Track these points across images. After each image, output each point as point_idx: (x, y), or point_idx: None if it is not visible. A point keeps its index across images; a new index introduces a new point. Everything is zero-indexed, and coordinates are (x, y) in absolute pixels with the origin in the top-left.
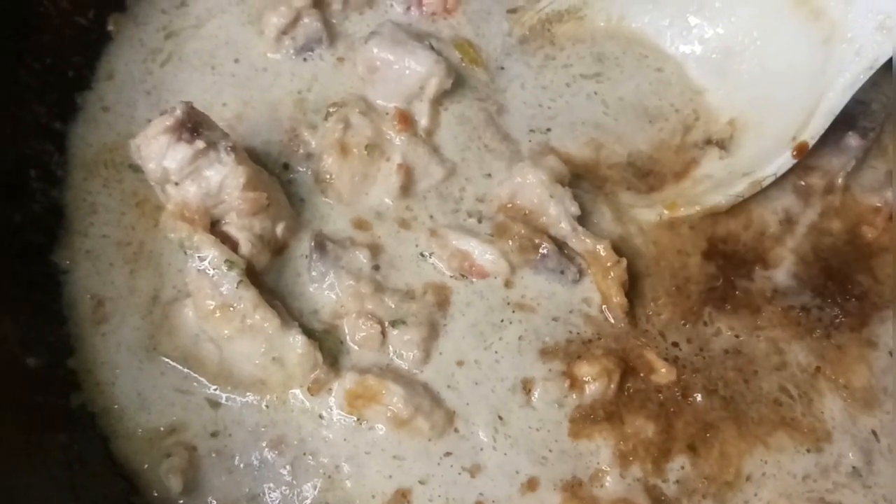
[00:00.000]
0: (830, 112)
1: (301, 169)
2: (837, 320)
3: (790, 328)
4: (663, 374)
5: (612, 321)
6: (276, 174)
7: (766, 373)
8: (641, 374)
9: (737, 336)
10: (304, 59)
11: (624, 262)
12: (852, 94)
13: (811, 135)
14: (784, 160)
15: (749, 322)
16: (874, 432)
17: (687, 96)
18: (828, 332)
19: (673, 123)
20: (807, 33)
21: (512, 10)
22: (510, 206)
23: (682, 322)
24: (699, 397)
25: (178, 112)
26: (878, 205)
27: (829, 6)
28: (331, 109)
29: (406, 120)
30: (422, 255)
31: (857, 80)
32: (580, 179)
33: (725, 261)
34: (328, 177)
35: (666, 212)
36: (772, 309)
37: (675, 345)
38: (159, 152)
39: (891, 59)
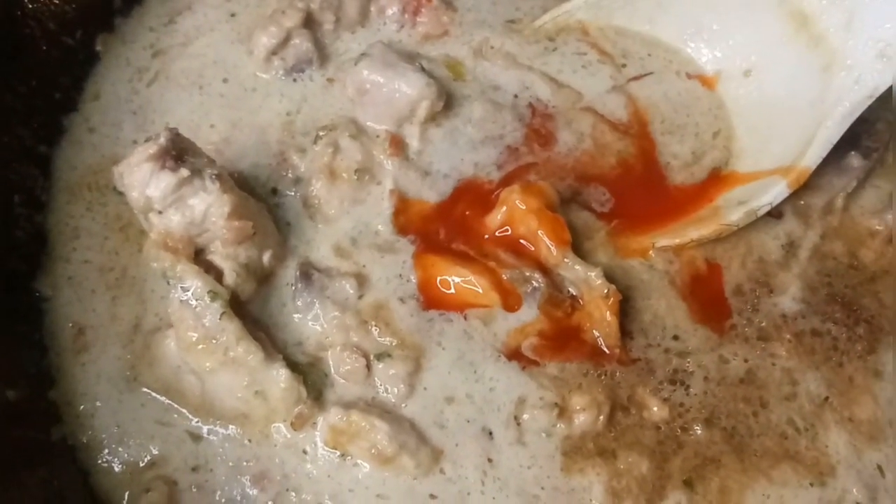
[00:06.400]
0: (828, 141)
1: (289, 193)
2: (850, 346)
3: (806, 357)
4: (655, 411)
5: (606, 351)
6: (264, 199)
7: (776, 403)
8: (633, 411)
9: (747, 364)
10: (294, 80)
11: (616, 290)
12: (851, 123)
13: (808, 164)
14: (780, 189)
15: (760, 350)
16: (879, 467)
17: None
18: (841, 361)
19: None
20: (806, 60)
21: (511, 21)
22: (499, 235)
23: (682, 353)
24: (699, 430)
25: (163, 140)
26: (878, 227)
27: (829, 33)
28: (320, 133)
29: (398, 144)
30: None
31: (857, 110)
32: (572, 203)
33: (728, 289)
34: (317, 202)
35: (661, 240)
36: (786, 336)
37: (675, 372)
38: (142, 180)
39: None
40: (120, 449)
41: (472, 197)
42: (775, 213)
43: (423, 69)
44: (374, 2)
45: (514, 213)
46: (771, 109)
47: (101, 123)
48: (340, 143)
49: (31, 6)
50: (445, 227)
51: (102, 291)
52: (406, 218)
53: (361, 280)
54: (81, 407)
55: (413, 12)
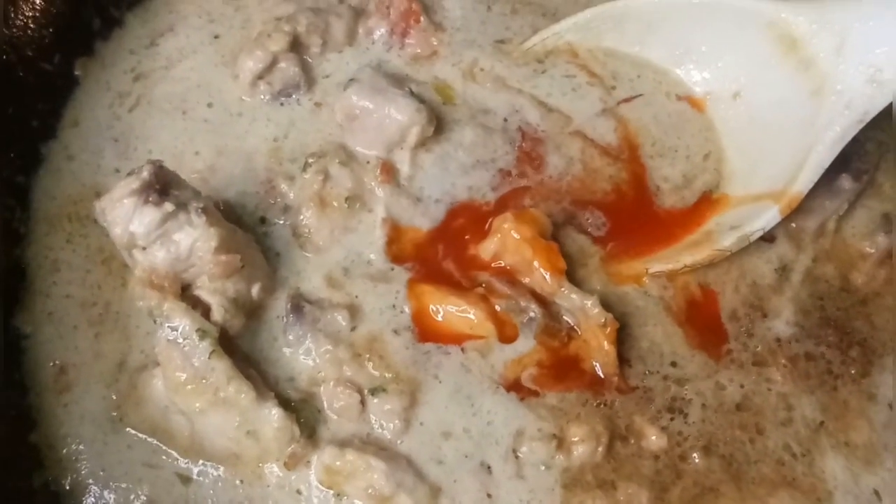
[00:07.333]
0: (820, 166)
1: (278, 221)
2: (844, 369)
3: (801, 381)
4: (654, 440)
5: (604, 379)
6: (252, 229)
7: (772, 429)
8: (631, 441)
9: (743, 389)
10: (281, 104)
11: (613, 319)
12: (842, 147)
13: (800, 189)
14: (772, 215)
15: (756, 375)
16: (876, 492)
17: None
18: (835, 384)
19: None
20: (795, 84)
21: (500, 41)
22: (494, 264)
23: (680, 380)
24: (697, 459)
25: (145, 173)
26: (869, 250)
27: (819, 57)
28: (310, 160)
29: (389, 170)
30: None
31: (847, 134)
32: (566, 226)
33: (723, 314)
34: (307, 231)
35: (655, 266)
36: (781, 361)
37: (674, 400)
38: (125, 216)
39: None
40: (106, 493)
41: (466, 220)
42: (768, 238)
43: (412, 94)
44: (361, 23)
45: (507, 242)
46: (760, 132)
47: (81, 151)
48: (330, 171)
49: (5, 32)
50: (439, 255)
51: (85, 328)
52: (399, 246)
53: (354, 311)
54: (64, 450)
55: (401, 33)
